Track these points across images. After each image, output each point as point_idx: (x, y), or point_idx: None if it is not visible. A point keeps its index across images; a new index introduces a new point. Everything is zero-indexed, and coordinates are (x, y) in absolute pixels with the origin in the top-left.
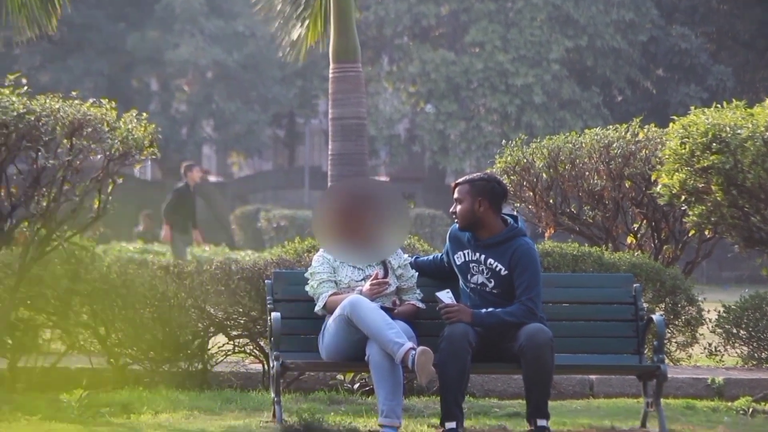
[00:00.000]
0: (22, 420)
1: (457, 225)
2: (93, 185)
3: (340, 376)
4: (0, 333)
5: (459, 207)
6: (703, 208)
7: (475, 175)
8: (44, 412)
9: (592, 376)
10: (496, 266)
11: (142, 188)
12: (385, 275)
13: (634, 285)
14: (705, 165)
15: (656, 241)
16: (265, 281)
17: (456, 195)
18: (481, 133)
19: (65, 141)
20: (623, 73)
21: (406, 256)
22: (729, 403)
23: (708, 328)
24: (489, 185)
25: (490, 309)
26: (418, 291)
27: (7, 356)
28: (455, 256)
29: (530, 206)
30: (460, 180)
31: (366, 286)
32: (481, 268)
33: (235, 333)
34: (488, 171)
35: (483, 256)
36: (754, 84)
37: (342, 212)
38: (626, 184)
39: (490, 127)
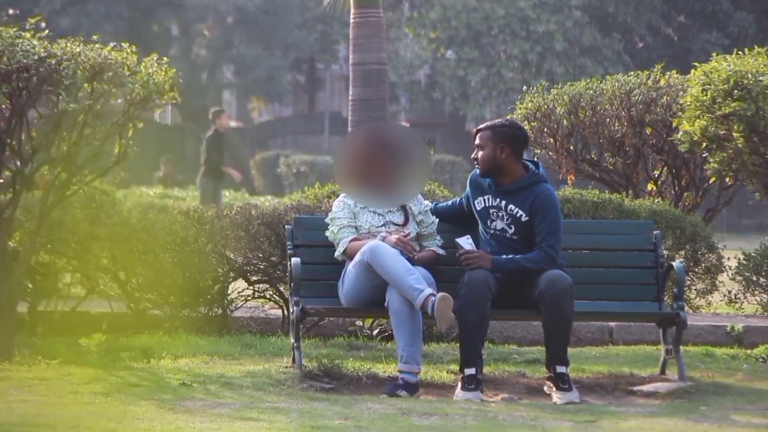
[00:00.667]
0: (41, 364)
1: (478, 171)
2: (114, 130)
3: (359, 322)
4: (20, 277)
5: (480, 153)
6: (724, 155)
7: (496, 121)
8: (64, 356)
9: (612, 323)
10: (517, 212)
11: (162, 133)
12: (406, 221)
13: (655, 232)
14: (726, 112)
15: (677, 188)
16: (285, 226)
17: (477, 141)
18: (502, 79)
19: (86, 85)
20: (644, 19)
21: (426, 202)
22: (748, 351)
23: (728, 275)
24: (511, 131)
25: (510, 255)
26: (438, 237)
27: (27, 300)
28: (475, 202)
29: (551, 153)
30: (481, 126)
31: (392, 237)
32: (501, 214)
33: (254, 278)
34: (509, 117)
35: (504, 202)
36: None
37: (363, 156)
38: (647, 131)
39: (510, 74)
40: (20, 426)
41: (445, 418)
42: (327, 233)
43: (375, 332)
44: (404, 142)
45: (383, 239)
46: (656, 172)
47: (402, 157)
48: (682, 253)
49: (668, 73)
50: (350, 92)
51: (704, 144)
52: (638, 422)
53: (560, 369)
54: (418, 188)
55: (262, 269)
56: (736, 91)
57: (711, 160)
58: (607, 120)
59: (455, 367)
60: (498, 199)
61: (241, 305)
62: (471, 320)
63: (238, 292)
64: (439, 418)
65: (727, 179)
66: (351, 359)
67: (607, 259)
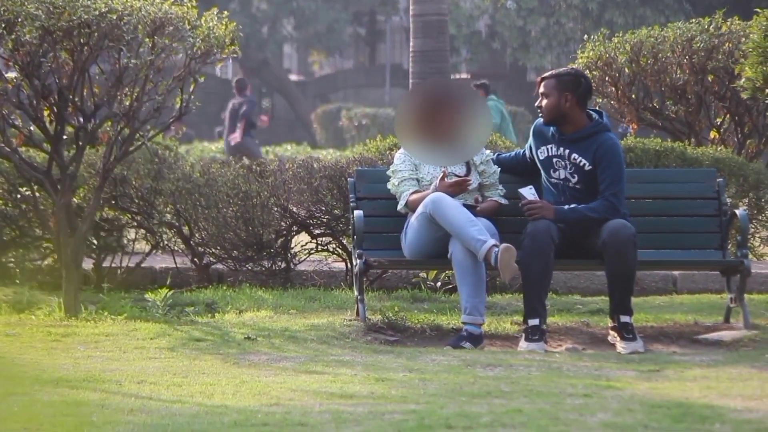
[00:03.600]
0: (108, 319)
1: (542, 119)
2: (175, 84)
3: (423, 274)
4: (85, 233)
5: (545, 101)
6: None
7: (561, 69)
8: (129, 312)
9: (675, 272)
10: (580, 161)
11: (223, 87)
12: (468, 172)
13: (718, 180)
14: None
15: (739, 135)
16: (348, 179)
17: (542, 89)
18: (562, 29)
19: (147, 40)
20: None
21: (488, 152)
22: None
23: None
24: (576, 80)
25: (573, 205)
26: (500, 187)
27: (92, 256)
28: (538, 151)
29: (612, 101)
30: (546, 74)
31: (437, 182)
32: (564, 163)
33: (317, 231)
34: (572, 66)
35: (567, 151)
36: None
37: (424, 114)
38: (709, 78)
39: (570, 24)
40: (87, 381)
41: (509, 369)
42: (389, 186)
43: (438, 284)
44: (464, 98)
45: (435, 188)
46: (719, 120)
47: (462, 113)
48: (746, 200)
49: (730, 19)
50: (411, 44)
51: (767, 90)
52: (702, 371)
53: (624, 318)
54: (480, 145)
55: (324, 222)
56: None
57: None
58: (669, 68)
59: (519, 318)
60: (561, 148)
61: (305, 259)
62: (534, 271)
63: (301, 246)
64: (504, 369)
65: None
66: (415, 311)
67: (670, 207)
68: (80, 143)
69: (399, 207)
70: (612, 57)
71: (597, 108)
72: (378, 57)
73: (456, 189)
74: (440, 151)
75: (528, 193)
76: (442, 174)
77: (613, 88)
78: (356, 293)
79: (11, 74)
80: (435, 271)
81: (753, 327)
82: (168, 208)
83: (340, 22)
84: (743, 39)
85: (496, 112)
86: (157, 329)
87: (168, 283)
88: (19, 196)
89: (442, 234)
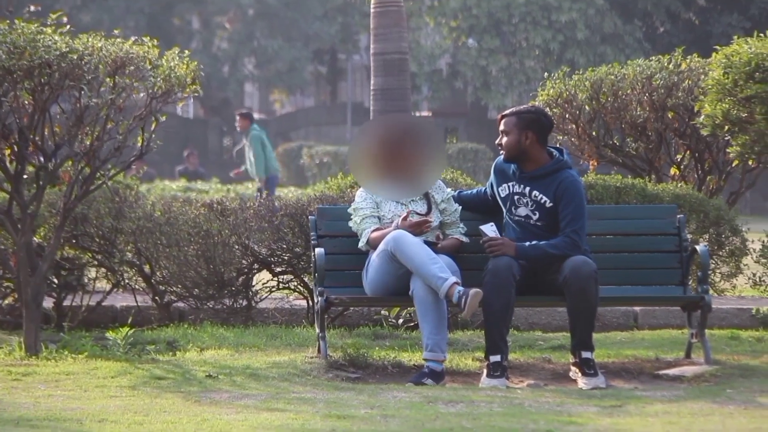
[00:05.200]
0: (68, 358)
1: (503, 157)
2: (136, 123)
3: (384, 312)
4: (45, 272)
5: (505, 139)
6: (747, 138)
7: (521, 107)
8: (90, 350)
9: (637, 308)
10: (541, 198)
11: (184, 126)
12: (428, 210)
13: (678, 216)
14: (748, 94)
15: (700, 171)
16: (309, 217)
17: (502, 127)
18: (523, 68)
19: (108, 79)
20: (664, 4)
21: (449, 190)
22: None
23: (752, 258)
24: (536, 117)
25: (534, 242)
26: (461, 225)
27: (53, 295)
28: (500, 189)
29: (573, 139)
30: (506, 112)
31: (399, 221)
32: (525, 201)
33: (279, 269)
34: (533, 104)
35: (528, 188)
36: None
37: (377, 149)
38: (669, 115)
39: (532, 63)
40: (47, 420)
41: (471, 405)
42: (350, 223)
43: (400, 321)
44: (417, 131)
45: (396, 226)
46: (679, 157)
47: (416, 147)
48: (706, 236)
49: (689, 57)
50: (372, 82)
51: (726, 127)
52: (664, 406)
53: (586, 354)
54: (435, 177)
55: (286, 260)
56: (757, 73)
57: (733, 143)
58: (629, 105)
59: (480, 355)
60: (522, 186)
61: (266, 296)
62: (496, 307)
63: (263, 284)
64: (465, 405)
65: (750, 162)
66: (376, 348)
67: (631, 243)
68: (41, 182)
69: (360, 245)
70: (572, 94)
71: (558, 145)
72: (339, 95)
73: (417, 229)
74: (395, 185)
75: (489, 230)
76: (405, 213)
77: (574, 126)
78: (318, 330)
79: None
80: (396, 308)
81: (714, 362)
82: (129, 247)
83: (301, 60)
84: (702, 76)
85: (257, 141)
86: (118, 368)
87: (129, 321)
88: None
89: (404, 271)
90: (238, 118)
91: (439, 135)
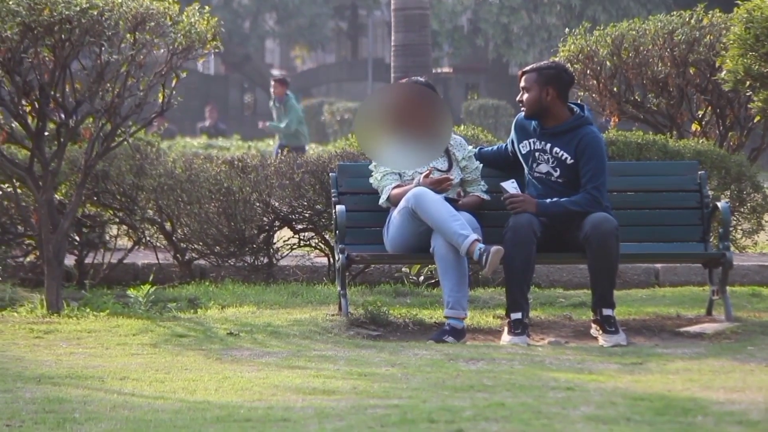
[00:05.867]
0: (90, 316)
1: (524, 113)
2: (157, 80)
3: (405, 269)
4: (67, 229)
5: (526, 95)
6: None
7: (542, 63)
8: (111, 308)
9: (658, 265)
10: (562, 155)
11: (205, 82)
12: (449, 167)
13: (699, 172)
14: None
15: (721, 128)
16: (330, 174)
17: (523, 83)
18: (545, 25)
19: (128, 35)
20: None
21: (470, 147)
22: None
23: None
24: (557, 73)
25: (555, 198)
26: (482, 182)
27: (74, 252)
28: (520, 145)
29: (594, 95)
30: (527, 68)
31: (420, 177)
32: (546, 157)
33: (300, 227)
34: (553, 59)
35: (549, 145)
36: None
37: (381, 123)
38: (690, 71)
39: (553, 20)
40: (69, 378)
41: (492, 363)
42: (371, 180)
43: (421, 278)
44: (420, 103)
45: (418, 183)
46: (700, 112)
47: (421, 118)
48: (728, 193)
49: (711, 12)
50: (392, 38)
51: (748, 82)
52: (685, 363)
53: (606, 312)
54: (440, 149)
55: (307, 217)
56: None
57: (755, 98)
58: (651, 60)
59: (502, 312)
60: (543, 142)
61: (287, 254)
62: (516, 265)
63: (284, 241)
64: (486, 363)
65: None
66: (397, 306)
67: (652, 200)
68: (62, 140)
69: (381, 201)
70: (593, 50)
71: (578, 101)
72: (360, 51)
73: (438, 186)
74: (400, 158)
75: (510, 186)
76: (427, 170)
77: (595, 81)
78: (339, 288)
79: None
80: (417, 266)
81: (735, 319)
82: (150, 205)
83: (322, 16)
84: (724, 31)
85: (295, 113)
86: (139, 325)
87: (150, 279)
88: (0, 192)
89: (425, 228)
90: (273, 83)
91: (444, 105)
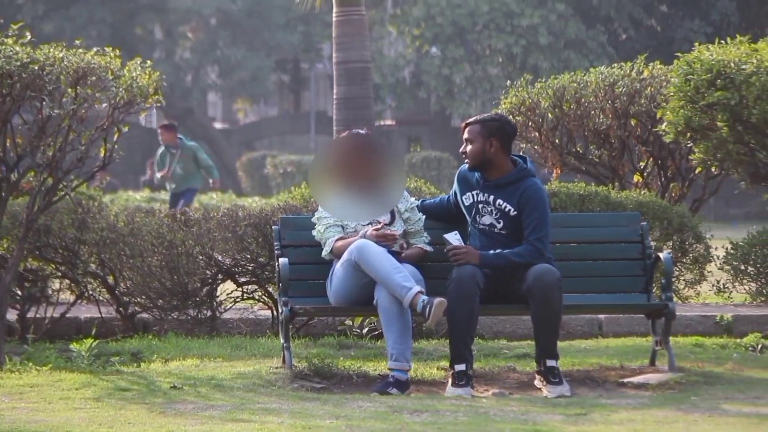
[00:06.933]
0: (32, 370)
1: (467, 165)
2: (98, 134)
3: (348, 321)
4: (9, 284)
5: (470, 147)
6: (709, 144)
7: (485, 115)
8: (54, 362)
9: (601, 316)
10: (505, 207)
11: (147, 136)
12: (392, 219)
13: (642, 223)
14: (710, 101)
15: (663, 179)
16: (273, 227)
17: (466, 135)
18: (487, 76)
19: (70, 90)
20: (627, 11)
21: (412, 199)
22: (738, 340)
23: (716, 265)
24: (500, 125)
25: (498, 250)
26: (425, 234)
27: (17, 307)
28: (464, 197)
29: (536, 147)
30: (470, 120)
31: (370, 230)
32: (490, 209)
33: (243, 279)
34: (497, 111)
35: (492, 197)
36: (758, 19)
37: (336, 175)
38: (632, 123)
39: (495, 71)
40: None
41: (436, 415)
42: (314, 232)
43: (365, 331)
44: (375, 151)
45: (364, 235)
46: (642, 164)
47: (376, 168)
48: (670, 243)
49: (652, 63)
50: (335, 91)
51: (689, 134)
52: (629, 414)
53: (550, 363)
54: (395, 200)
55: (250, 270)
56: (719, 80)
57: (696, 150)
58: (592, 112)
59: (445, 364)
60: (486, 194)
61: (230, 307)
62: (460, 316)
63: (227, 294)
64: (431, 414)
65: (712, 169)
66: (341, 358)
67: (595, 251)
68: (3, 194)
69: (324, 254)
70: (535, 102)
71: (521, 153)
72: (303, 104)
73: (384, 240)
74: (355, 207)
75: (453, 238)
76: (378, 224)
77: (537, 133)
78: (282, 341)
79: None
80: (361, 318)
81: (678, 370)
82: (92, 258)
83: (264, 69)
84: (665, 83)
85: (197, 151)
86: (82, 379)
87: (93, 332)
88: None
89: (368, 281)
90: (161, 130)
91: (398, 152)
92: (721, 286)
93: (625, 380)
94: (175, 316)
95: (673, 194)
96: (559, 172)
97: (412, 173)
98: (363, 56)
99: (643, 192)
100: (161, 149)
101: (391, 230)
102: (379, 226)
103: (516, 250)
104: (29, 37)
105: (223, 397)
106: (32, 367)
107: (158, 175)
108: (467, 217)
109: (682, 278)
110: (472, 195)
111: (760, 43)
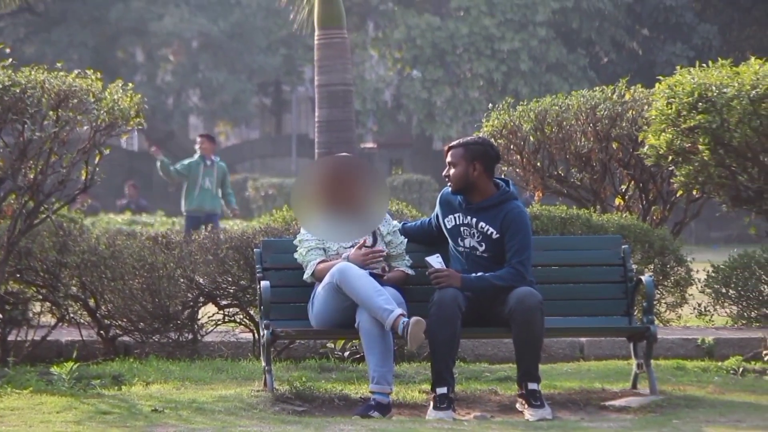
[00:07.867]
0: (13, 393)
1: (450, 188)
2: (80, 157)
3: (330, 344)
4: None
5: (453, 170)
6: (690, 168)
7: (468, 138)
8: (35, 386)
9: (582, 339)
10: (488, 230)
11: (129, 159)
12: (374, 242)
13: (623, 246)
14: (691, 125)
15: (644, 202)
16: (254, 250)
17: (449, 158)
18: (468, 99)
19: (51, 113)
20: (608, 34)
21: (395, 222)
22: (719, 363)
23: (697, 288)
24: (483, 149)
25: (479, 273)
26: (407, 257)
27: None
28: (446, 220)
29: (518, 170)
30: (453, 143)
31: (353, 251)
32: (472, 232)
33: (224, 302)
34: (479, 135)
35: (474, 220)
36: (739, 42)
37: (319, 195)
38: (613, 146)
39: (476, 94)
40: None
41: None
42: (296, 255)
43: (346, 354)
44: (358, 173)
45: (347, 258)
46: (623, 187)
47: (358, 191)
48: (651, 266)
49: (633, 87)
50: (316, 114)
51: (670, 157)
52: None
53: (532, 386)
54: (377, 221)
55: (231, 293)
56: (700, 103)
57: (677, 173)
58: (574, 135)
59: (427, 387)
60: (469, 217)
61: (212, 330)
62: (441, 339)
63: (208, 317)
64: None
65: (694, 192)
66: (323, 381)
67: (577, 274)
68: None
69: (305, 276)
70: (517, 125)
71: (503, 176)
72: (284, 127)
73: (368, 260)
74: (337, 229)
75: (435, 261)
76: (360, 242)
77: (518, 156)
78: (264, 364)
79: None
80: (342, 341)
81: (660, 393)
82: (74, 281)
83: (246, 92)
84: (646, 106)
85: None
86: (63, 403)
87: (74, 356)
88: None
89: (349, 303)
90: (201, 139)
91: (382, 179)
92: (703, 309)
93: (607, 403)
94: (156, 339)
95: (655, 217)
96: (540, 195)
97: (394, 196)
98: (345, 79)
99: (624, 215)
100: (193, 158)
101: (378, 249)
102: (361, 243)
103: (498, 273)
104: (10, 60)
105: (204, 420)
106: (12, 390)
107: (153, 149)
108: (449, 240)
109: (663, 301)
110: (455, 218)
111: (742, 67)
